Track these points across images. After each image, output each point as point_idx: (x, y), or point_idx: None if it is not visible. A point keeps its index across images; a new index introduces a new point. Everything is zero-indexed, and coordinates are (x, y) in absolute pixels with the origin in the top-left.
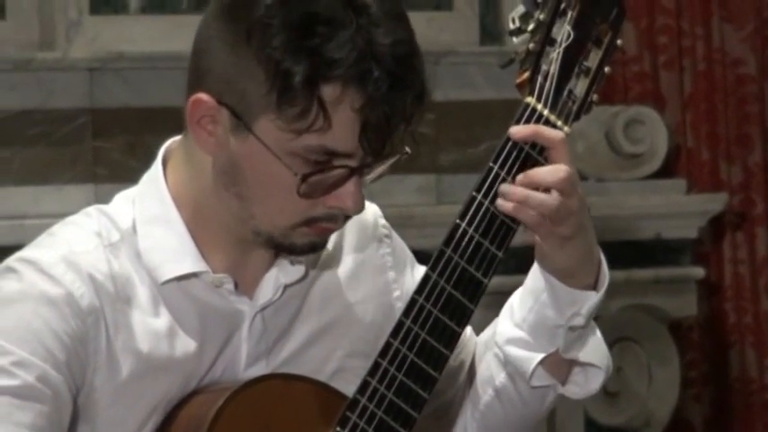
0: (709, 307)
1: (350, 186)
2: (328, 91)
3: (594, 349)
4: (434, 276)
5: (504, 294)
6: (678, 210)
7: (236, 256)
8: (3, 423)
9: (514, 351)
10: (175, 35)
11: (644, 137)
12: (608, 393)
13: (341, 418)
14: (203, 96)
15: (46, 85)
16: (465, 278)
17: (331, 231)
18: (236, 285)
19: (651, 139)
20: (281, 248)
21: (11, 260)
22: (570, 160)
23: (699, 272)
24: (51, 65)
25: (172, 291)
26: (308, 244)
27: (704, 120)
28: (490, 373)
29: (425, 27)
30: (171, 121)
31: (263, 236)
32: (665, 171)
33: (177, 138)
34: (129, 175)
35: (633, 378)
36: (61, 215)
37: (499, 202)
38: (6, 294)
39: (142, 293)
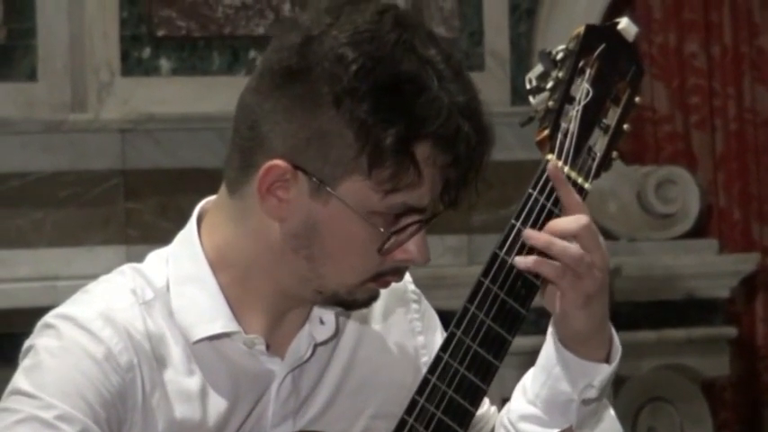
0: (742, 367)
1: (419, 239)
2: (420, 150)
3: (609, 427)
4: (459, 333)
5: (533, 354)
6: (710, 270)
7: (271, 318)
8: None
9: (528, 427)
10: (207, 96)
11: (676, 197)
12: None
13: None
14: (278, 162)
15: (78, 146)
16: (490, 335)
17: (392, 283)
18: (267, 346)
19: (683, 199)
20: (341, 305)
21: (48, 317)
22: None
23: (731, 331)
24: (83, 126)
25: (204, 350)
26: (368, 298)
27: (736, 179)
28: None
29: None
30: (203, 181)
31: (327, 294)
32: (697, 231)
33: (212, 198)
34: (162, 237)
35: None
36: (93, 276)
37: (518, 259)
38: (47, 350)
39: (175, 352)
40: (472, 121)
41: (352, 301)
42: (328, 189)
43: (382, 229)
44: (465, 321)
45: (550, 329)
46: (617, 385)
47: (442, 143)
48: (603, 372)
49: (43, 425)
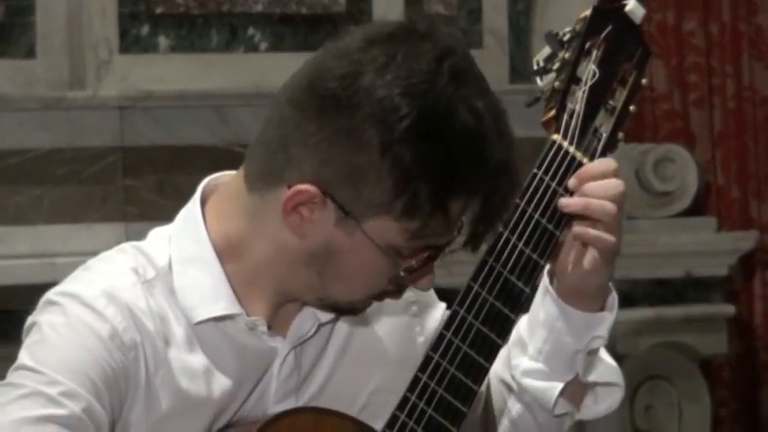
0: (740, 345)
1: (429, 269)
2: (454, 204)
3: (608, 368)
4: (462, 312)
5: None
6: (708, 248)
7: (274, 305)
8: None
9: (533, 383)
10: (205, 74)
11: (674, 175)
12: (638, 431)
13: None
14: (309, 188)
15: (76, 123)
16: (493, 314)
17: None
18: (269, 327)
19: (681, 177)
20: (337, 311)
21: (51, 294)
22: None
23: (729, 309)
24: (81, 103)
25: (206, 329)
26: (363, 308)
27: (734, 157)
28: (504, 406)
29: None
30: (201, 158)
31: (328, 302)
32: (695, 209)
33: (217, 177)
34: (160, 214)
35: (664, 416)
36: (91, 253)
37: (563, 201)
38: (52, 327)
39: (178, 331)
40: (509, 178)
41: (351, 310)
42: (355, 222)
43: (400, 268)
44: (468, 300)
45: (546, 286)
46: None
47: (479, 200)
48: (607, 320)
49: (47, 400)
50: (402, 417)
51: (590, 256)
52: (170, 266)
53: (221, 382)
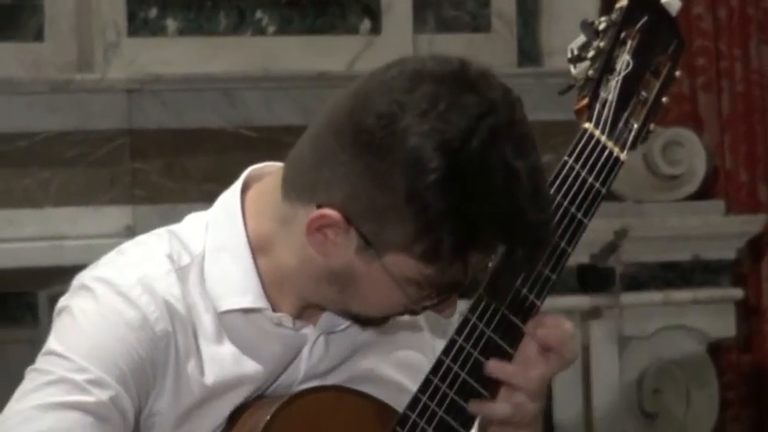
0: (748, 328)
1: (452, 300)
2: (474, 257)
3: None
4: (473, 319)
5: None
6: (716, 231)
7: (299, 306)
8: None
9: None
10: (213, 57)
11: (682, 158)
12: (646, 415)
13: None
14: (333, 214)
15: (84, 106)
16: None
17: None
18: (297, 316)
19: (689, 161)
20: (358, 322)
21: (85, 278)
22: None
23: (737, 293)
24: (90, 86)
25: (233, 319)
26: (383, 322)
27: (742, 141)
28: None
29: (463, 49)
30: (208, 141)
31: (349, 314)
32: (704, 192)
33: (260, 167)
34: (167, 196)
35: (671, 399)
36: (99, 236)
37: (493, 365)
38: (83, 313)
39: (206, 320)
40: (537, 239)
41: (368, 323)
42: (374, 254)
43: (415, 303)
44: (480, 307)
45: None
46: (622, 347)
47: (498, 253)
48: None
49: (74, 387)
50: (424, 399)
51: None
52: (204, 254)
53: (250, 370)
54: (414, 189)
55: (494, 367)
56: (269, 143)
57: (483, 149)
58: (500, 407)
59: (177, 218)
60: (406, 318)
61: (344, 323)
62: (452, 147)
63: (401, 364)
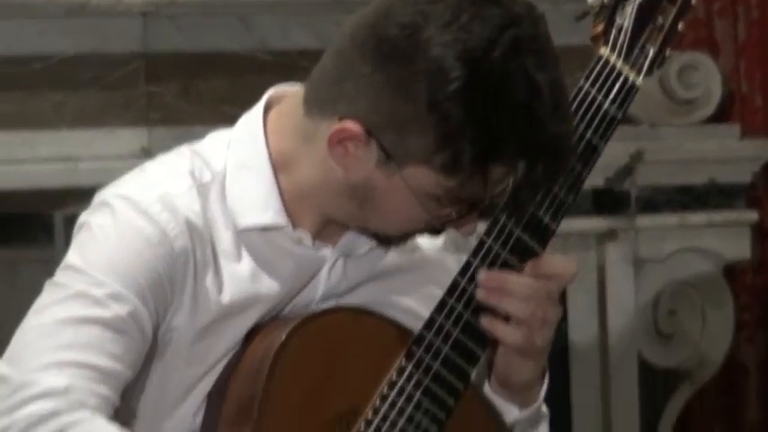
0: (763, 250)
1: (472, 217)
2: (495, 170)
3: None
4: (489, 241)
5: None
6: (732, 155)
7: (320, 223)
8: (96, 352)
9: None
10: None
11: (698, 82)
12: (662, 335)
13: (407, 352)
14: (354, 126)
15: (99, 29)
16: (520, 243)
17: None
18: (315, 239)
19: (705, 85)
20: (378, 240)
21: (106, 195)
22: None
23: (752, 216)
24: (105, 10)
25: (253, 237)
26: (403, 241)
27: (758, 67)
28: None
29: None
30: (223, 65)
31: (369, 231)
32: (719, 117)
33: (283, 88)
34: (182, 119)
35: (687, 321)
36: (114, 158)
37: (481, 293)
38: (102, 228)
39: (226, 237)
40: (558, 153)
41: (388, 241)
42: (395, 166)
43: (434, 217)
44: (496, 230)
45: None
46: (638, 269)
47: (519, 168)
48: (511, 414)
49: (93, 302)
50: (440, 319)
51: (504, 351)
52: (226, 171)
53: (268, 286)
54: (435, 98)
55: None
56: (284, 67)
57: (504, 60)
58: (511, 332)
59: (192, 140)
60: (430, 253)
61: (364, 248)
62: (474, 56)
63: (420, 295)
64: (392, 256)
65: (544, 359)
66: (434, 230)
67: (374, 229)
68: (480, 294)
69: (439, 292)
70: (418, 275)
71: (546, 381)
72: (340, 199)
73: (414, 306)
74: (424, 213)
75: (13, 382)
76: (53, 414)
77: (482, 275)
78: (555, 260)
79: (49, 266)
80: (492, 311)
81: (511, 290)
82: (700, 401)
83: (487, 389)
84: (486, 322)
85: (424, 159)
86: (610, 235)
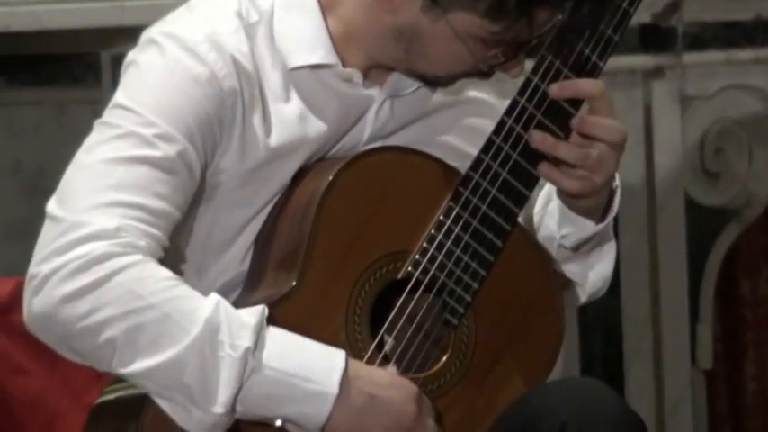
0: None
1: (519, 59)
2: (540, 13)
3: (584, 270)
4: (550, 57)
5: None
6: None
7: (367, 64)
8: (142, 192)
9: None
10: None
11: None
12: (708, 174)
13: (454, 194)
14: None
15: None
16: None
17: None
18: (365, 77)
19: None
20: (424, 81)
21: (153, 33)
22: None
23: None
24: None
25: (302, 77)
26: (451, 82)
27: None
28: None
29: None
30: None
31: (415, 73)
32: None
33: None
34: None
35: (733, 158)
36: None
37: (537, 136)
38: (150, 67)
39: (274, 77)
40: None
41: (434, 82)
42: (440, 11)
43: (481, 60)
44: (542, 68)
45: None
46: (684, 107)
47: (563, 9)
48: (587, 230)
49: (143, 142)
50: (486, 159)
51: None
52: (273, 11)
53: (316, 127)
54: None
55: (538, 140)
56: None
57: None
58: (570, 182)
59: None
60: (477, 92)
61: (412, 87)
62: None
63: (463, 130)
64: (438, 96)
65: (609, 188)
66: (482, 73)
67: (421, 71)
68: (536, 137)
69: (481, 123)
70: (461, 110)
71: (618, 192)
72: (386, 41)
73: (457, 143)
74: (470, 56)
75: (64, 223)
76: (106, 256)
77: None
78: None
79: (96, 107)
80: (544, 155)
81: (577, 129)
82: (747, 240)
83: (561, 207)
84: (544, 170)
85: (468, 5)
86: (656, 72)
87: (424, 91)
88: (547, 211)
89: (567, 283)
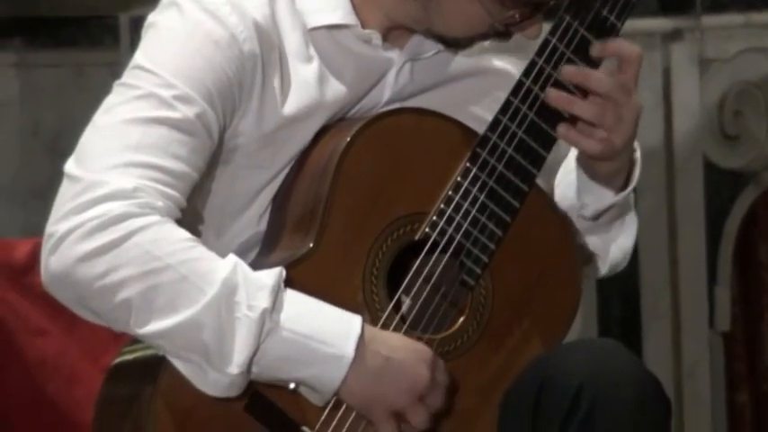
0: None
1: (537, 19)
2: None
3: (605, 243)
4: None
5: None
6: None
7: (387, 26)
8: (160, 153)
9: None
10: None
11: None
12: (727, 137)
13: (471, 155)
14: None
15: None
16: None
17: None
18: (384, 39)
19: None
20: (443, 43)
21: None
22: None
23: None
24: None
25: (322, 38)
26: (469, 44)
27: None
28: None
29: None
30: None
31: (434, 34)
32: None
33: None
34: None
35: (752, 122)
36: None
37: (553, 94)
38: (170, 30)
39: (294, 38)
40: None
41: (453, 44)
42: None
43: (497, 21)
44: (560, 29)
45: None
46: (703, 69)
47: None
48: (605, 199)
49: (161, 103)
50: (504, 120)
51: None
52: None
53: (334, 89)
54: None
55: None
56: None
57: None
58: (589, 142)
59: None
60: (498, 60)
61: (432, 50)
62: None
63: (491, 102)
64: (459, 62)
65: (628, 154)
66: (500, 34)
67: (439, 31)
68: (552, 94)
69: (502, 95)
70: (485, 81)
71: (638, 164)
72: (405, 0)
73: (480, 112)
74: (487, 16)
75: (82, 182)
76: (123, 216)
77: (566, 69)
78: (621, 41)
79: (115, 69)
80: (562, 116)
81: (592, 86)
82: (765, 203)
83: (578, 164)
84: (562, 131)
85: None
86: (675, 35)
87: (445, 55)
88: (567, 181)
89: (588, 257)
